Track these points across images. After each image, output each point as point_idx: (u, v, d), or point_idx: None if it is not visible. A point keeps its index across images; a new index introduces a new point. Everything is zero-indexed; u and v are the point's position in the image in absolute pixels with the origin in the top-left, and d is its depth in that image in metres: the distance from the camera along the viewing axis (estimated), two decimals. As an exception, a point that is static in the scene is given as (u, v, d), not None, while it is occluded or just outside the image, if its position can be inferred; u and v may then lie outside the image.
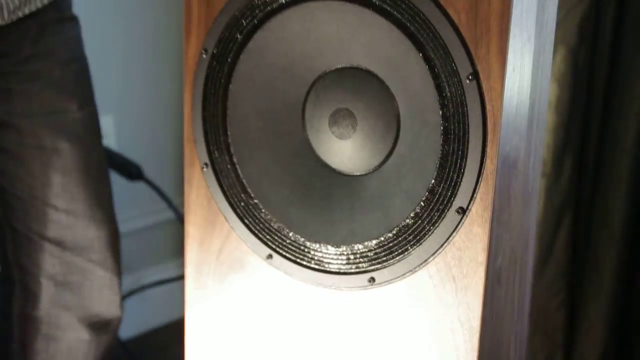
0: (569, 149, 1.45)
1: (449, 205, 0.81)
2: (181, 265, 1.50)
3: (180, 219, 1.61)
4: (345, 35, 0.83)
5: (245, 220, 0.94)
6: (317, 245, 0.90)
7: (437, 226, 0.82)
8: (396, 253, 0.85)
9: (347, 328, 0.91)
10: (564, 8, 1.36)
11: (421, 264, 0.83)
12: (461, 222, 0.80)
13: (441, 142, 0.80)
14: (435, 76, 0.79)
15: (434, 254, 0.83)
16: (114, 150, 1.65)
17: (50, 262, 1.18)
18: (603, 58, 1.42)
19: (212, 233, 0.97)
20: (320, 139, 0.88)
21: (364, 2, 0.81)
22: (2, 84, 1.11)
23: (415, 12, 0.78)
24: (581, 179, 1.50)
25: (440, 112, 0.79)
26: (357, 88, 0.85)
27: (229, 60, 0.90)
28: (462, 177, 0.80)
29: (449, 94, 0.78)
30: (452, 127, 0.79)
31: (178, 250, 1.88)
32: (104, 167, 1.23)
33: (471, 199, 0.80)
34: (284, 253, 0.92)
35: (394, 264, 0.85)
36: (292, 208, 0.90)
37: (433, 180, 0.81)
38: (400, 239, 0.84)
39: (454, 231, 0.81)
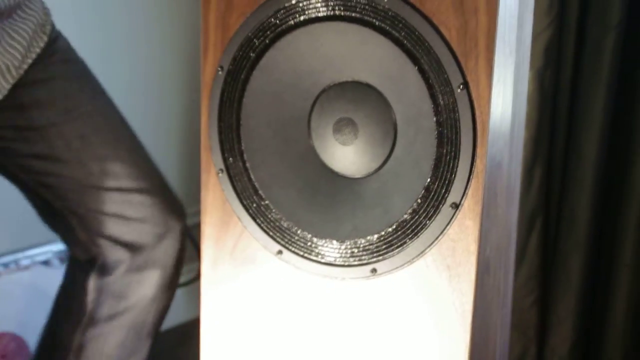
0: (539, 161, 1.47)
1: (444, 201, 0.83)
2: (185, 272, 1.48)
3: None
4: (347, 52, 0.85)
5: (257, 220, 0.95)
6: (324, 241, 0.91)
7: (433, 220, 0.84)
8: (396, 246, 0.87)
9: (352, 316, 0.92)
10: (532, 34, 1.43)
11: (419, 255, 0.85)
12: (454, 216, 0.83)
13: (436, 145, 0.82)
14: (429, 86, 0.81)
15: (430, 245, 0.85)
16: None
17: (119, 231, 1.20)
18: (566, 79, 1.45)
19: (226, 232, 0.98)
20: (325, 146, 0.90)
21: (365, 22, 0.83)
22: (13, 101, 1.13)
23: (411, 30, 0.81)
24: (550, 188, 1.51)
25: (435, 119, 0.82)
26: (358, 99, 0.87)
27: (242, 76, 0.92)
28: (455, 176, 0.82)
29: (442, 102, 0.81)
30: (445, 131, 0.81)
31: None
32: (135, 138, 1.24)
33: (463, 194, 0.82)
34: (293, 249, 0.93)
35: (394, 255, 0.87)
36: (300, 208, 0.92)
37: (429, 179, 0.83)
38: (399, 233, 0.86)
39: (448, 224, 0.83)
